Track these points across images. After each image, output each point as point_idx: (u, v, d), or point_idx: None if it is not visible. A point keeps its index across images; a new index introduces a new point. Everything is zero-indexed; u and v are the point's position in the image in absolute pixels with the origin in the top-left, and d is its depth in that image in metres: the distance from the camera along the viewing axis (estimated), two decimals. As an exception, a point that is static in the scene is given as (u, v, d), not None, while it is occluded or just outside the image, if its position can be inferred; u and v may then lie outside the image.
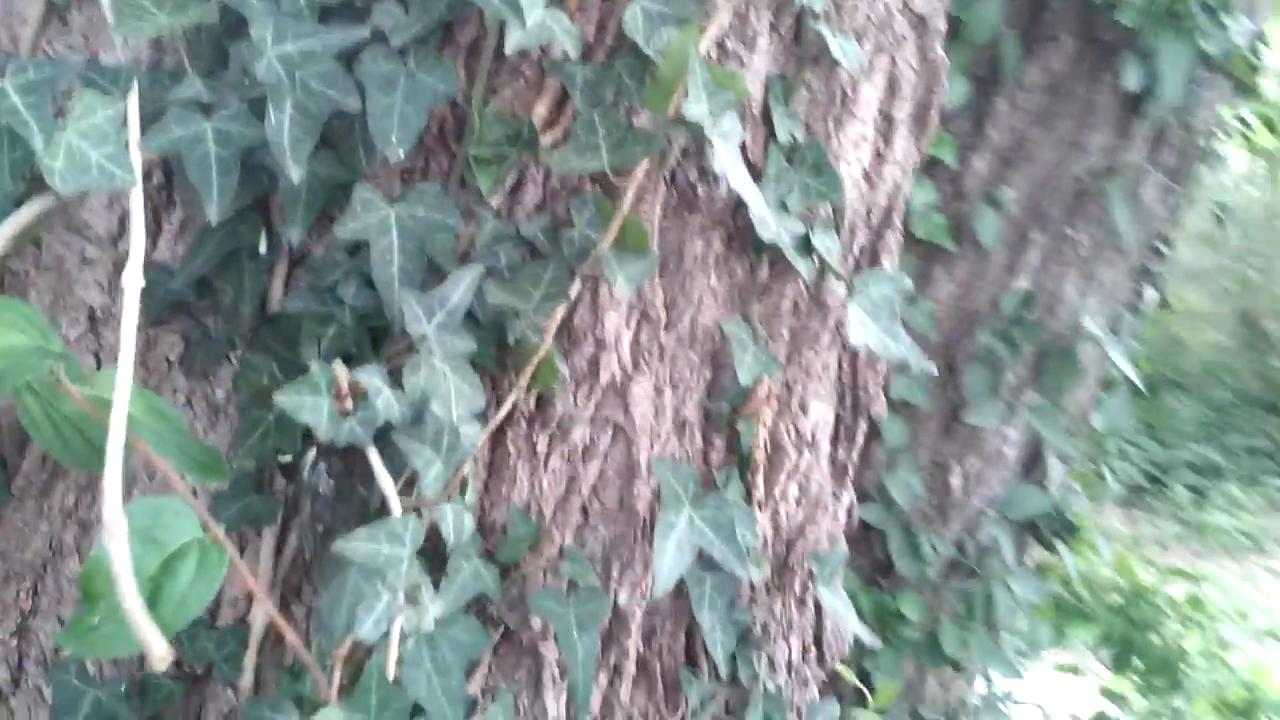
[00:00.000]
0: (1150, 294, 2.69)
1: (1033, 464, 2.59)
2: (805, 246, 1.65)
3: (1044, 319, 2.42)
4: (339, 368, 1.34)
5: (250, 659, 1.55)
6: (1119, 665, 5.12)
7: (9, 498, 1.70)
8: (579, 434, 1.60)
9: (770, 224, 1.57)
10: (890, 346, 1.72)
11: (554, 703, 1.66)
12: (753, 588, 1.75)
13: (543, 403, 1.57)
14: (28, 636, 1.71)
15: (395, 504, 1.36)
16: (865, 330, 1.69)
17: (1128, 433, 3.03)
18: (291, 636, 1.27)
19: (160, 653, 1.00)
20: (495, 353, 1.49)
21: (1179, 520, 9.79)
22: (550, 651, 1.63)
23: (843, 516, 1.92)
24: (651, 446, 1.64)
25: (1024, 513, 2.56)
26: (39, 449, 1.66)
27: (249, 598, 1.59)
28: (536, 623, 1.62)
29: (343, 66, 1.36)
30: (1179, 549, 9.13)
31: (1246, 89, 2.50)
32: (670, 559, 1.56)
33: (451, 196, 1.46)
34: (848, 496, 1.95)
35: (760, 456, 1.72)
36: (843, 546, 1.89)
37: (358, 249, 1.45)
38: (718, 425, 1.69)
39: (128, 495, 1.59)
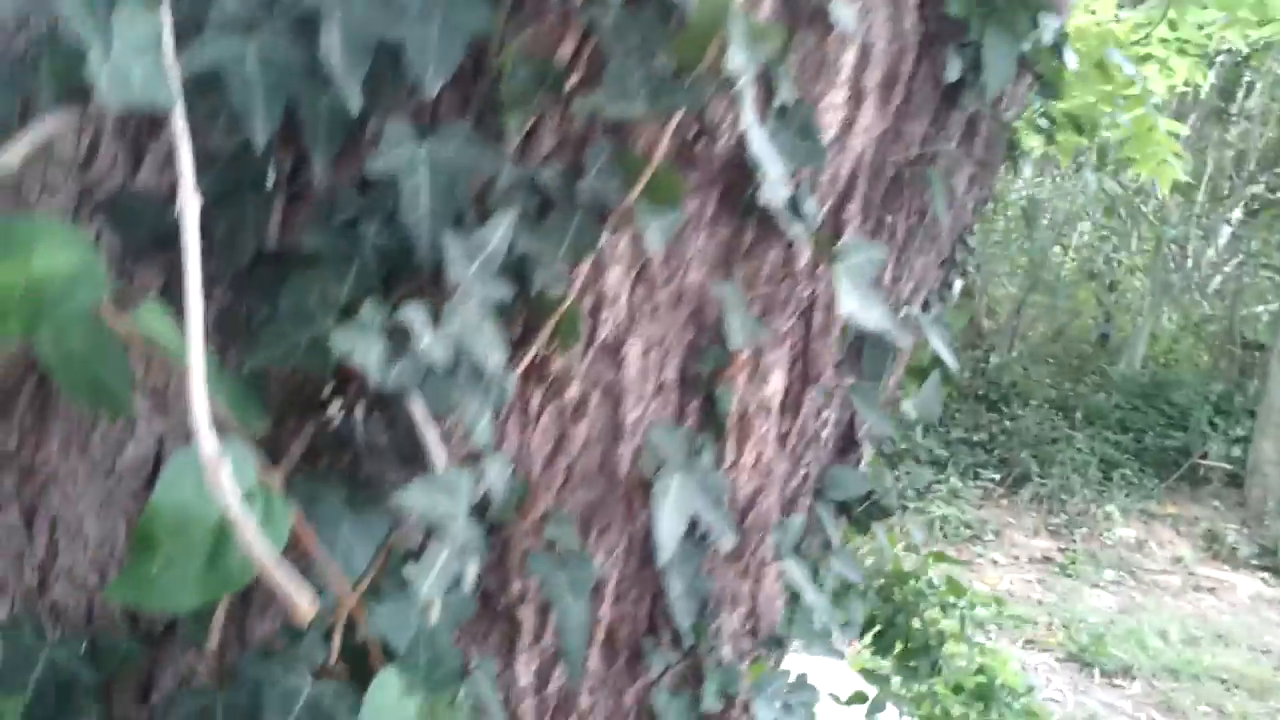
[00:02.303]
0: (956, 283, 2.73)
1: (848, 448, 2.61)
2: (794, 212, 1.62)
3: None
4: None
5: (219, 618, 1.44)
6: (881, 648, 5.26)
7: None
8: (572, 392, 1.54)
9: (780, 188, 1.54)
10: (871, 317, 1.70)
11: (525, 670, 1.60)
12: (714, 556, 1.72)
13: (536, 357, 1.51)
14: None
15: (441, 456, 1.28)
16: (849, 299, 1.67)
17: (935, 418, 3.08)
18: (345, 588, 1.19)
19: (307, 603, 0.92)
20: (515, 304, 1.42)
21: (905, 510, 10.13)
22: (528, 617, 1.57)
23: (784, 487, 1.90)
24: (634, 408, 1.59)
25: (844, 494, 2.58)
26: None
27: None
28: (516, 587, 1.55)
29: (380, -7, 1.27)
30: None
31: (1050, 86, 2.53)
32: (670, 524, 1.52)
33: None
34: (787, 467, 1.93)
35: (732, 423, 1.69)
36: (797, 517, 1.87)
37: (367, 185, 1.37)
38: (695, 389, 1.65)
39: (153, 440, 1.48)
